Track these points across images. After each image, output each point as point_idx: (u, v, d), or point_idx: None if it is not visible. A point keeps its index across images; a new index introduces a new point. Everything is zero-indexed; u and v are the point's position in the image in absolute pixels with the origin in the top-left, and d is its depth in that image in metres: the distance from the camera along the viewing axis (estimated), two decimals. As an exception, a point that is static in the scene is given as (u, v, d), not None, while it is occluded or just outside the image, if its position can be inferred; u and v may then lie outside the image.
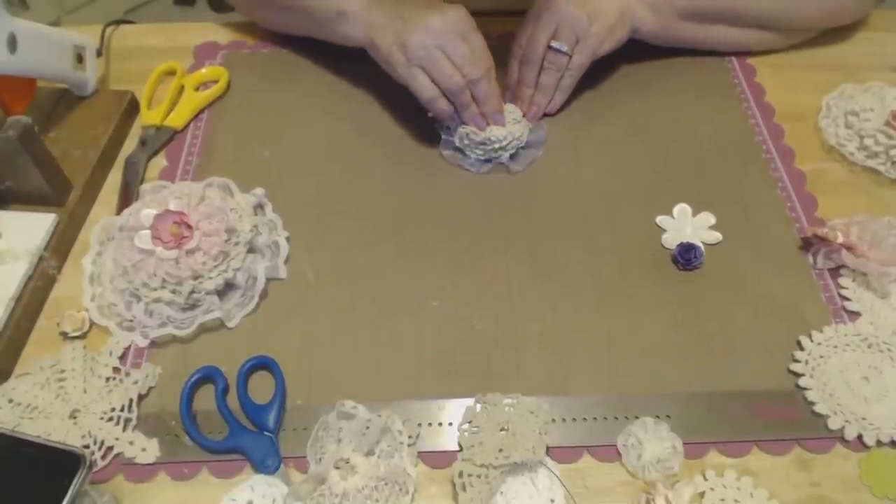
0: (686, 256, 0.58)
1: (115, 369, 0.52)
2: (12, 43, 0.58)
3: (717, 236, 0.60)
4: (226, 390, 0.52)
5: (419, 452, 0.49)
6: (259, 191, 0.61)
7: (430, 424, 0.51)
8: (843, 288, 0.57)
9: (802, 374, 0.52)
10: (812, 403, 0.51)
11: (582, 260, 0.59)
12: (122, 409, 0.50)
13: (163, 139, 0.67)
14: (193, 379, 0.51)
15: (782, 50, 0.75)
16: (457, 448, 0.49)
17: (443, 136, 0.66)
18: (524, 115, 0.66)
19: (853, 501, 0.47)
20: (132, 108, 0.70)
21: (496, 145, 0.63)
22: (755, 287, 0.57)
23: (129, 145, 0.68)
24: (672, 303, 0.57)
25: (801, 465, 0.49)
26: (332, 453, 0.48)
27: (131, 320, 0.54)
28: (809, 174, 0.65)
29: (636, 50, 0.70)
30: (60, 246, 0.59)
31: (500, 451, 0.47)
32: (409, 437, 0.49)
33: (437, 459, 0.49)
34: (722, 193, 0.63)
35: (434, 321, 0.56)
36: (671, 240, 0.60)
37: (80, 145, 0.65)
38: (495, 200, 0.63)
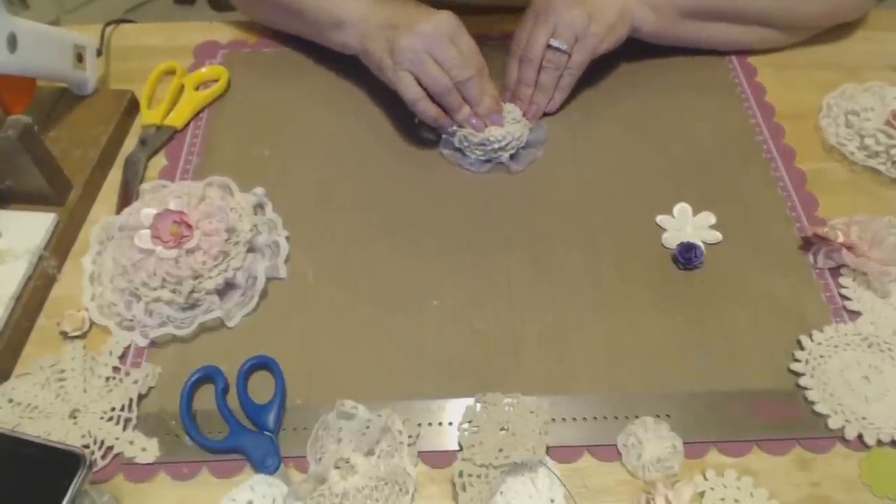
0: (686, 256, 0.58)
1: (115, 369, 0.52)
2: (12, 42, 0.58)
3: (717, 236, 0.60)
4: (226, 390, 0.52)
5: (419, 452, 0.49)
6: (259, 190, 0.61)
7: (430, 424, 0.51)
8: (843, 287, 0.57)
9: (803, 374, 0.52)
10: (812, 403, 0.51)
11: (582, 259, 0.59)
12: (122, 409, 0.50)
13: (163, 138, 0.67)
14: (193, 379, 0.51)
15: (783, 49, 0.75)
16: (457, 448, 0.49)
17: (443, 136, 0.66)
18: (524, 115, 0.66)
19: (853, 501, 0.47)
20: (132, 108, 0.70)
21: (495, 145, 0.63)
22: (755, 286, 0.57)
23: (129, 144, 0.68)
24: (672, 302, 0.56)
25: (801, 464, 0.49)
26: (332, 453, 0.48)
27: (131, 320, 0.54)
28: (810, 174, 0.65)
29: (636, 49, 0.70)
30: (60, 245, 0.59)
31: (500, 450, 0.47)
32: (409, 436, 0.49)
33: (437, 459, 0.49)
34: (722, 193, 0.63)
35: (434, 321, 0.56)
36: (671, 239, 0.60)
37: (80, 145, 0.65)
38: (495, 200, 0.63)
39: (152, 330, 0.54)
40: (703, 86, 0.72)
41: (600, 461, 0.49)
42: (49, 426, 0.49)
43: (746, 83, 0.72)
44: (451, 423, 0.51)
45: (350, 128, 0.69)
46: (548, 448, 0.49)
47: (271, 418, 0.50)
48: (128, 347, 0.54)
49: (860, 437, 0.49)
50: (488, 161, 0.65)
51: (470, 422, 0.50)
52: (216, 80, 0.72)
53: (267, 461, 0.48)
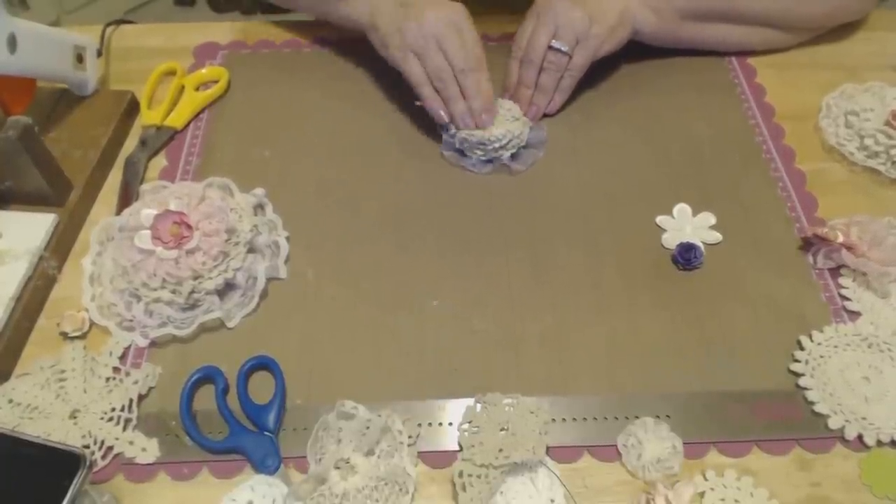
0: (686, 256, 0.58)
1: (115, 369, 0.52)
2: (12, 43, 0.58)
3: (717, 236, 0.60)
4: (226, 390, 0.52)
5: (419, 452, 0.49)
6: (259, 191, 0.61)
7: (430, 424, 0.51)
8: (843, 288, 0.57)
9: (802, 374, 0.52)
10: (812, 403, 0.51)
11: (582, 260, 0.59)
12: (122, 409, 0.50)
13: (163, 139, 0.67)
14: (193, 379, 0.51)
15: (783, 50, 0.75)
16: (457, 448, 0.49)
17: (444, 137, 0.66)
18: (524, 116, 0.66)
19: (853, 501, 0.47)
20: (132, 108, 0.70)
21: (496, 145, 0.63)
22: (755, 287, 0.57)
23: (130, 145, 0.68)
24: (672, 303, 0.56)
25: (801, 464, 0.49)
26: (332, 453, 0.48)
27: (131, 320, 0.54)
28: (809, 174, 0.65)
29: (636, 50, 0.70)
30: (60, 246, 0.59)
31: (500, 451, 0.47)
32: (409, 437, 0.49)
33: (437, 459, 0.49)
34: (722, 193, 0.63)
35: (434, 321, 0.56)
36: (671, 240, 0.60)
37: (80, 145, 0.65)
38: (496, 200, 0.63)
39: (152, 330, 0.54)
40: (703, 86, 0.72)
41: (600, 461, 0.49)
42: (49, 426, 0.49)
43: (746, 84, 0.72)
44: (451, 423, 0.51)
45: (350, 128, 0.69)
46: (548, 448, 0.49)
47: (271, 418, 0.50)
48: (128, 348, 0.54)
49: (860, 437, 0.49)
50: (489, 161, 0.65)
51: (470, 422, 0.50)
52: (216, 81, 0.72)
53: (267, 461, 0.48)
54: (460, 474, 0.47)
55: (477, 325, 0.55)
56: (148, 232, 0.54)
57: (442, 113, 0.63)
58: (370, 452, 0.48)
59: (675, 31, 0.70)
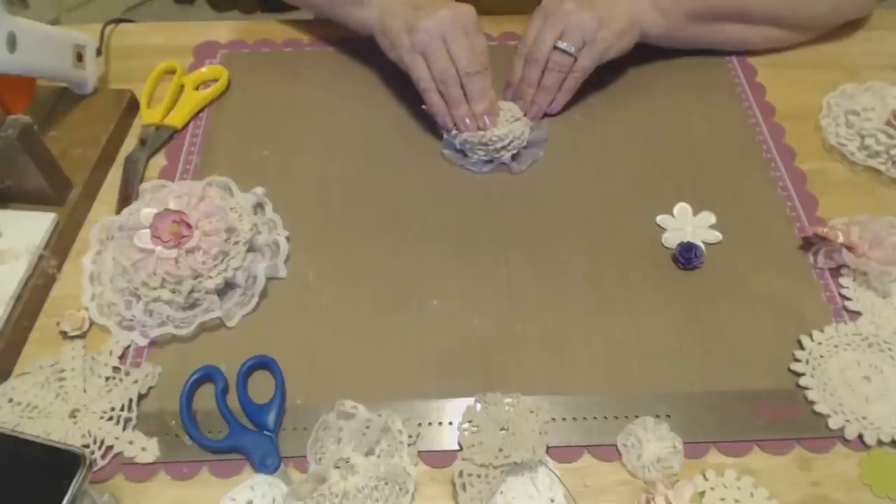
0: (686, 256, 0.58)
1: (115, 369, 0.52)
2: (12, 42, 0.58)
3: (717, 236, 0.60)
4: (226, 390, 0.52)
5: (419, 452, 0.49)
6: (259, 190, 0.61)
7: (430, 424, 0.51)
8: (843, 287, 0.57)
9: (803, 374, 0.52)
10: (812, 403, 0.51)
11: (582, 259, 0.59)
12: (122, 409, 0.50)
13: (163, 138, 0.67)
14: (193, 378, 0.51)
15: (784, 49, 0.75)
16: (457, 448, 0.49)
17: (445, 137, 0.66)
18: (525, 115, 0.66)
19: (853, 501, 0.47)
20: (132, 107, 0.70)
21: (497, 145, 0.63)
22: (755, 286, 0.57)
23: (129, 144, 0.68)
24: (672, 302, 0.56)
25: (801, 464, 0.49)
26: (332, 453, 0.48)
27: (131, 320, 0.54)
28: (810, 174, 0.65)
29: (636, 50, 0.70)
30: (60, 245, 0.59)
31: (500, 450, 0.47)
32: (409, 436, 0.49)
33: (437, 459, 0.49)
34: (722, 193, 0.63)
35: (434, 321, 0.56)
36: (671, 239, 0.60)
37: (79, 144, 0.65)
38: (495, 200, 0.63)
39: (152, 330, 0.54)
40: (703, 86, 0.72)
41: (600, 461, 0.49)
42: (49, 426, 0.49)
43: (746, 83, 0.72)
44: (451, 423, 0.51)
45: (350, 127, 0.69)
46: (548, 448, 0.49)
47: (271, 418, 0.50)
48: (128, 347, 0.54)
49: (860, 437, 0.49)
50: (489, 161, 0.65)
51: (470, 422, 0.50)
52: (216, 80, 0.72)
53: (267, 461, 0.48)
54: (460, 474, 0.47)
55: (477, 324, 0.55)
56: (148, 231, 0.54)
57: (447, 119, 0.63)
58: (370, 452, 0.48)
59: (682, 31, 0.70)
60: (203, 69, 0.73)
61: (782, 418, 0.51)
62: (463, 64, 0.61)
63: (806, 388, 0.52)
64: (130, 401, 0.51)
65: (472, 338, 0.55)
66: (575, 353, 0.54)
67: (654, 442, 0.48)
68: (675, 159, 0.66)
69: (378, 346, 0.54)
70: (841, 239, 0.56)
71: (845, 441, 0.50)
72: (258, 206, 0.61)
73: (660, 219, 0.61)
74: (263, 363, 0.53)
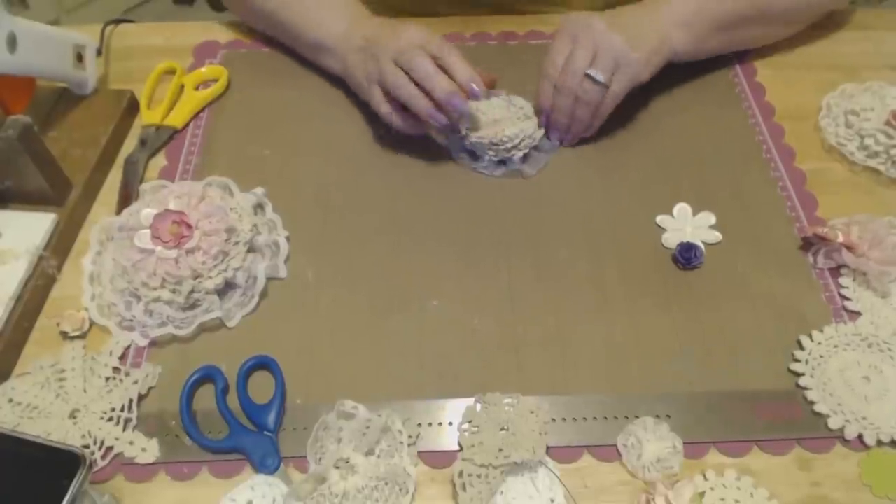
0: (686, 256, 0.58)
1: (115, 369, 0.52)
2: (12, 42, 0.58)
3: (717, 236, 0.60)
4: (226, 390, 0.52)
5: (419, 452, 0.49)
6: (259, 190, 0.61)
7: (430, 424, 0.51)
8: (843, 287, 0.57)
9: (802, 374, 0.52)
10: (812, 403, 0.51)
11: (582, 259, 0.59)
12: (122, 409, 0.50)
13: (163, 138, 0.67)
14: (193, 379, 0.51)
15: (783, 49, 0.75)
16: (457, 448, 0.49)
17: (451, 140, 0.65)
18: (561, 143, 0.66)
19: (853, 501, 0.47)
20: (132, 108, 0.70)
21: (508, 144, 0.62)
22: (755, 286, 0.57)
23: (129, 145, 0.68)
24: (672, 302, 0.56)
25: (801, 464, 0.49)
26: (332, 453, 0.48)
27: (131, 320, 0.54)
28: (810, 174, 0.65)
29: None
30: (60, 245, 0.59)
31: (500, 450, 0.47)
32: (409, 436, 0.49)
33: (437, 459, 0.49)
34: (722, 193, 0.63)
35: (434, 321, 0.56)
36: (671, 239, 0.60)
37: (79, 145, 0.65)
38: (496, 200, 0.63)
39: (152, 330, 0.54)
40: (703, 86, 0.72)
41: (600, 461, 0.49)
42: (49, 426, 0.49)
43: (746, 83, 0.72)
44: (451, 423, 0.51)
45: (350, 128, 0.69)
46: (548, 448, 0.49)
47: (271, 418, 0.50)
48: (128, 347, 0.54)
49: (860, 437, 0.49)
50: (502, 163, 0.64)
51: (470, 422, 0.50)
52: (216, 80, 0.72)
53: (267, 461, 0.48)
54: (460, 474, 0.47)
55: (477, 324, 0.55)
56: (148, 231, 0.54)
57: (435, 112, 0.59)
58: (370, 452, 0.48)
59: (706, 44, 0.67)
60: (203, 69, 0.73)
61: (782, 418, 0.51)
62: (431, 47, 0.58)
63: (806, 388, 0.52)
64: (130, 401, 0.51)
65: (473, 338, 0.55)
66: (575, 354, 0.54)
67: (654, 442, 0.48)
68: (674, 159, 0.66)
69: (378, 346, 0.54)
70: (841, 239, 0.56)
71: (845, 441, 0.50)
72: (258, 207, 0.61)
73: (660, 219, 0.61)
74: (263, 363, 0.53)
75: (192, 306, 0.54)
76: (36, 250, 0.57)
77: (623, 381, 0.53)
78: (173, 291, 0.53)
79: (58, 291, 0.58)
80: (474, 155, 0.65)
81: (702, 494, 0.47)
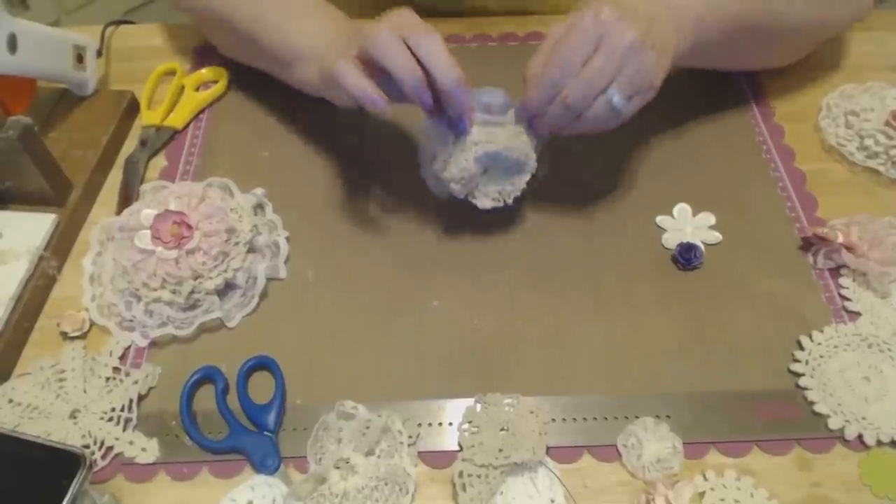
0: (686, 256, 0.58)
1: (115, 369, 0.52)
2: (12, 43, 0.58)
3: (717, 236, 0.60)
4: (226, 390, 0.52)
5: (419, 452, 0.49)
6: (259, 191, 0.61)
7: (430, 424, 0.51)
8: (843, 288, 0.57)
9: (802, 374, 0.52)
10: (812, 403, 0.51)
11: (582, 259, 0.59)
12: (122, 409, 0.50)
13: (163, 139, 0.67)
14: (193, 379, 0.51)
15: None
16: (457, 448, 0.49)
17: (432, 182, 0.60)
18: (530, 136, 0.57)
19: (853, 501, 0.47)
20: (132, 109, 0.70)
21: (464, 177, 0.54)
22: (755, 287, 0.57)
23: (130, 145, 0.68)
24: (672, 303, 0.56)
25: (801, 464, 0.49)
26: (332, 453, 0.48)
27: (131, 320, 0.54)
28: (809, 174, 0.65)
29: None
30: (60, 246, 0.59)
31: (500, 451, 0.47)
32: (409, 437, 0.49)
33: (437, 459, 0.49)
34: (722, 193, 0.63)
35: (434, 321, 0.56)
36: (671, 240, 0.60)
37: (80, 145, 0.65)
38: (495, 200, 0.63)
39: (152, 330, 0.54)
40: (703, 86, 0.72)
41: (600, 461, 0.49)
42: (49, 426, 0.49)
43: (746, 83, 0.72)
44: (451, 423, 0.51)
45: (350, 128, 0.69)
46: (548, 448, 0.49)
47: (271, 418, 0.50)
48: (128, 348, 0.54)
49: (860, 437, 0.49)
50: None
51: (470, 422, 0.50)
52: (216, 81, 0.72)
53: (267, 461, 0.48)
54: (460, 474, 0.47)
55: (477, 324, 0.55)
56: (148, 232, 0.54)
57: (423, 91, 0.50)
58: (370, 452, 0.48)
59: (706, 45, 0.59)
60: (203, 70, 0.73)
61: (782, 418, 0.51)
62: (414, 33, 0.49)
63: (806, 389, 0.52)
64: (130, 401, 0.51)
65: (473, 338, 0.55)
66: (575, 354, 0.54)
67: (654, 442, 0.48)
68: (674, 160, 0.66)
69: (378, 346, 0.54)
70: (840, 239, 0.56)
71: (845, 441, 0.50)
72: (258, 207, 0.61)
73: (659, 219, 0.61)
74: (263, 364, 0.53)
75: (193, 307, 0.54)
76: (36, 251, 0.57)
77: (623, 381, 0.53)
78: (173, 292, 0.53)
79: (58, 292, 0.58)
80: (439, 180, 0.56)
81: (702, 494, 0.47)
